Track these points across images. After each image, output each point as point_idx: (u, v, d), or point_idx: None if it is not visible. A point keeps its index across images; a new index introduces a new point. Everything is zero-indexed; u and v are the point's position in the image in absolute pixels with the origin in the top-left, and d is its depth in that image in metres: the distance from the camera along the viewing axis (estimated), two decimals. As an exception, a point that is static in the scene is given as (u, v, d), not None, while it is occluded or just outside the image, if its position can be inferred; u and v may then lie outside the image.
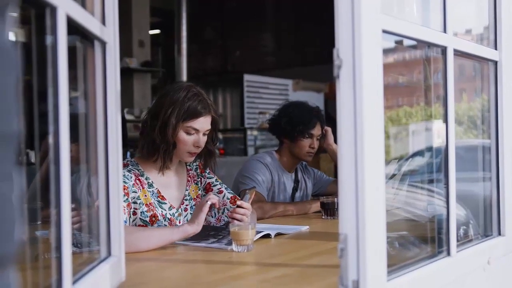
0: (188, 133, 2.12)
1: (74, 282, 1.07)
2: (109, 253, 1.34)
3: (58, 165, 0.98)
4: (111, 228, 1.34)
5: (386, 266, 1.20)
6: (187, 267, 1.68)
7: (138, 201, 2.09)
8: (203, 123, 2.14)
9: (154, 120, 2.12)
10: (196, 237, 2.00)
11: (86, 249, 1.41)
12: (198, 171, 2.34)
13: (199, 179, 2.34)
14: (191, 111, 2.10)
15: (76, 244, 1.29)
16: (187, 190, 2.27)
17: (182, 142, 2.12)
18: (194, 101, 2.10)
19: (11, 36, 0.60)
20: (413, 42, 1.53)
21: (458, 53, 1.54)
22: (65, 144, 0.99)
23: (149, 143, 2.13)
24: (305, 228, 2.29)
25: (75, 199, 1.09)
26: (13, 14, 0.61)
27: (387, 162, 1.54)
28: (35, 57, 1.04)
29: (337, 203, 2.57)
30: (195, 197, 2.30)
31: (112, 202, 1.34)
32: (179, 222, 2.19)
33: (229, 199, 2.29)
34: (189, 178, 2.30)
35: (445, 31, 1.48)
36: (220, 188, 2.33)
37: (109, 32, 1.33)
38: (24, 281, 0.91)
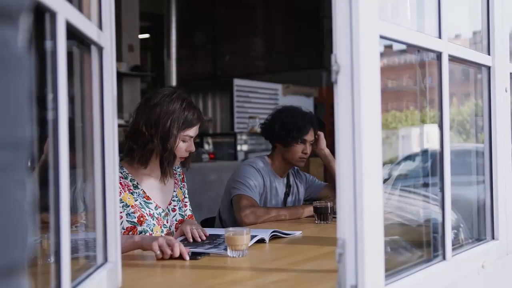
0: (184, 141, 2.21)
1: (72, 288, 1.06)
2: (105, 259, 1.33)
3: (57, 171, 0.97)
4: (107, 234, 1.34)
5: (384, 271, 1.20)
6: (183, 273, 1.67)
7: (121, 204, 2.12)
8: (196, 129, 2.25)
9: (150, 129, 2.15)
10: (192, 244, 1.99)
11: (81, 255, 1.40)
12: (180, 177, 2.42)
13: (182, 185, 2.42)
14: (189, 121, 2.20)
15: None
16: (174, 191, 2.35)
17: (178, 150, 2.21)
18: (189, 111, 2.20)
19: (23, 42, 0.60)
20: (403, 47, 1.54)
21: (452, 59, 1.55)
22: (64, 149, 0.98)
23: (147, 153, 2.17)
24: (298, 233, 2.29)
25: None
26: (26, 20, 0.61)
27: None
28: (33, 62, 1.03)
29: (330, 207, 2.58)
30: (181, 198, 2.38)
31: (108, 208, 1.34)
32: (167, 222, 2.26)
33: (186, 216, 2.37)
34: (176, 181, 2.38)
35: (440, 36, 1.49)
36: (187, 202, 2.42)
37: (105, 37, 1.33)
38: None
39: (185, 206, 2.40)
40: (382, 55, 1.49)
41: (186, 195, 2.42)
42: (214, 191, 5.53)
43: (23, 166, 0.56)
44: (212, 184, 5.68)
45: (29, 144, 0.58)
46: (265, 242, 2.06)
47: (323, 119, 6.90)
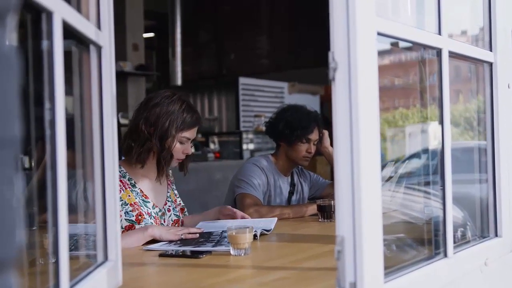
0: (181, 143, 2.24)
1: (71, 287, 1.06)
2: (106, 258, 1.34)
3: (55, 170, 0.97)
4: (107, 232, 1.34)
5: (383, 268, 1.20)
6: (184, 271, 1.67)
7: (120, 202, 2.15)
8: (194, 132, 2.28)
9: (149, 128, 2.19)
10: (190, 243, 1.98)
11: (82, 253, 1.41)
12: (172, 179, 2.47)
13: (173, 187, 2.47)
14: (187, 123, 2.23)
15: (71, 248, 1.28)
16: (168, 192, 2.39)
17: (175, 151, 2.24)
18: (188, 112, 2.24)
19: (11, 41, 0.60)
20: (408, 44, 1.54)
21: (453, 55, 1.54)
22: (62, 149, 0.99)
23: (145, 151, 2.20)
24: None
25: (71, 204, 1.08)
26: (13, 19, 0.61)
27: (384, 164, 1.53)
28: (30, 62, 1.03)
29: (334, 205, 2.57)
30: (174, 200, 2.42)
31: (108, 206, 1.34)
32: (164, 221, 2.30)
33: (179, 214, 2.42)
34: (169, 183, 2.42)
35: (440, 33, 1.48)
36: (179, 199, 2.48)
37: (104, 36, 1.33)
38: (20, 286, 0.91)
39: (178, 206, 2.43)
40: (389, 52, 1.48)
41: (177, 194, 2.47)
42: (220, 190, 5.53)
43: (12, 163, 0.56)
44: (217, 183, 5.68)
45: (18, 142, 0.58)
46: (257, 239, 2.05)
47: (330, 117, 6.89)
